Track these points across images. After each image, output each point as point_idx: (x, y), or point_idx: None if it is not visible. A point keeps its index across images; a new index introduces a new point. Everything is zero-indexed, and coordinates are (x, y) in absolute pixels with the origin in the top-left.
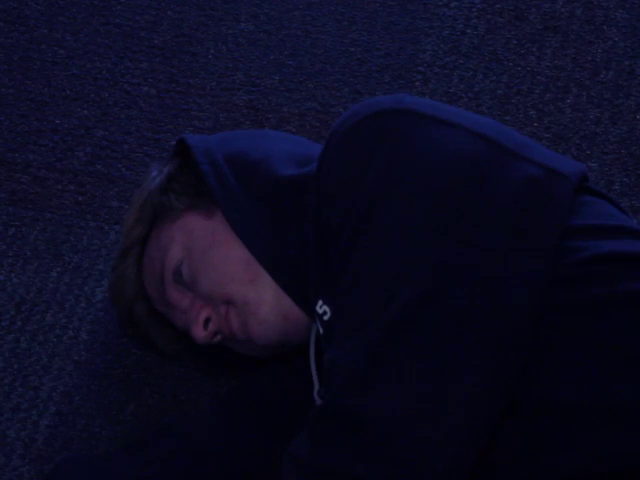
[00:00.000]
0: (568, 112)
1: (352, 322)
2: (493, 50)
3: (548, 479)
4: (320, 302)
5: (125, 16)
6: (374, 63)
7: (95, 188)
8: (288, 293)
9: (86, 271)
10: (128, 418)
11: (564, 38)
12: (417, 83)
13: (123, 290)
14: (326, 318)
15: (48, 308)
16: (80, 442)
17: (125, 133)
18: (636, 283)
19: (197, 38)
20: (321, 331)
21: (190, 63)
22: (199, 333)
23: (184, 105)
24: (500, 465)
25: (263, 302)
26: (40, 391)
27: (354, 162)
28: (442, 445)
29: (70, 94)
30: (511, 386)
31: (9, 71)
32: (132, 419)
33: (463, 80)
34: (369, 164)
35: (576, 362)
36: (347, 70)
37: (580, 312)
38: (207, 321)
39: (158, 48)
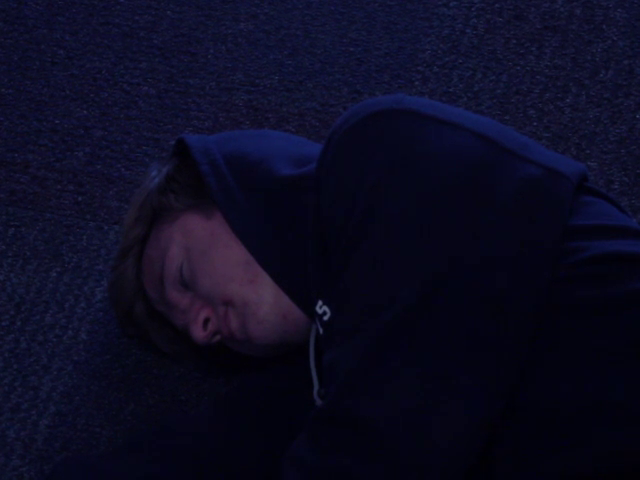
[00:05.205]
0: (567, 112)
1: (352, 323)
2: (492, 50)
3: (548, 479)
4: (320, 302)
5: (124, 16)
6: (373, 63)
7: (94, 188)
8: (288, 293)
9: (85, 271)
10: (128, 418)
11: (563, 37)
12: (416, 83)
13: (123, 290)
14: (326, 318)
15: (48, 308)
16: (80, 442)
17: (124, 133)
18: (637, 283)
19: (196, 38)
20: (321, 331)
21: (189, 63)
22: (198, 333)
23: (183, 105)
24: (500, 466)
25: (262, 302)
26: (40, 391)
27: (354, 162)
28: (442, 446)
29: (69, 94)
30: (511, 386)
31: (8, 71)
32: (132, 419)
33: (462, 80)
34: (369, 164)
35: (576, 362)
36: (346, 70)
37: (580, 312)
38: (206, 321)
39: (157, 48)
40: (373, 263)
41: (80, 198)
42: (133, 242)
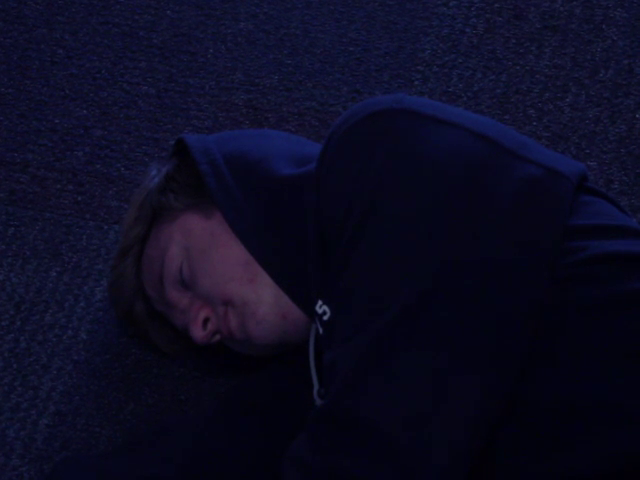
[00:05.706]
0: (567, 111)
1: (352, 323)
2: (492, 49)
3: (548, 479)
4: (320, 302)
5: (124, 16)
6: (373, 62)
7: (94, 188)
8: (287, 293)
9: (85, 271)
10: (128, 418)
11: (563, 37)
12: (416, 82)
13: (122, 290)
14: (326, 318)
15: (47, 308)
16: (79, 442)
17: (124, 133)
18: (636, 283)
19: (196, 37)
20: (321, 331)
21: (189, 63)
22: (198, 333)
23: (183, 105)
24: (500, 466)
25: (262, 302)
26: (39, 391)
27: (354, 162)
28: (442, 446)
29: (69, 94)
30: (511, 386)
31: (8, 71)
32: (132, 419)
33: (462, 79)
34: (368, 164)
35: (576, 362)
36: (346, 69)
37: (580, 312)
38: (206, 321)
39: (157, 48)
40: (373, 263)
41: (80, 198)
42: (133, 242)
